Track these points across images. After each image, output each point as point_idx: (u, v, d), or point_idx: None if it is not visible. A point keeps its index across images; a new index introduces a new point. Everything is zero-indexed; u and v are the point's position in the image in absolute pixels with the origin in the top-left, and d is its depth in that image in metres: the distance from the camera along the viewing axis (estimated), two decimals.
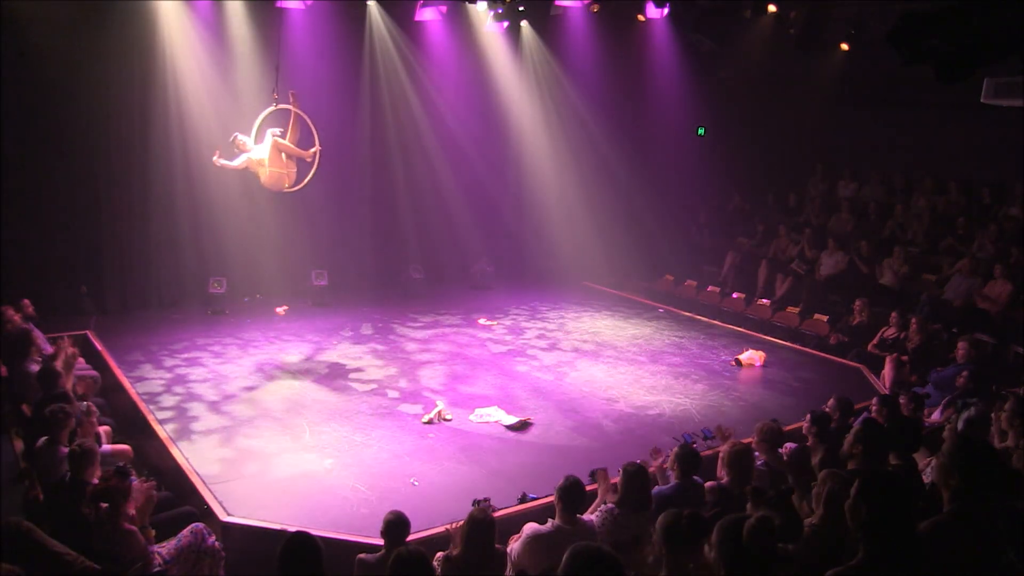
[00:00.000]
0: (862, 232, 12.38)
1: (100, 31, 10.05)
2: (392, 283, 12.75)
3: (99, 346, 9.11)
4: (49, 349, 7.48)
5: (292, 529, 3.99)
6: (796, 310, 11.59)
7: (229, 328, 10.40)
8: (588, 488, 5.08)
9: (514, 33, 12.92)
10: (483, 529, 4.24)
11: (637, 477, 4.72)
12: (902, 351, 9.35)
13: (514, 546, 4.51)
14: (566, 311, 12.00)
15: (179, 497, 6.00)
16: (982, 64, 4.57)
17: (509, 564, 4.47)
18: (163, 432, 7.09)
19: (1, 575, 3.69)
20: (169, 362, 9.03)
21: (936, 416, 7.68)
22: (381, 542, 4.57)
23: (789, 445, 5.72)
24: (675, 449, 5.31)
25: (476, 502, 4.84)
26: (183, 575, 4.78)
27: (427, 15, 12.08)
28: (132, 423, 7.39)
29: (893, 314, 9.97)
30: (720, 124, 14.29)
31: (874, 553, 2.85)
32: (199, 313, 10.94)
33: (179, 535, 4.95)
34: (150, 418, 7.36)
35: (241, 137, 8.62)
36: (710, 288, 12.83)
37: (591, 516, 4.75)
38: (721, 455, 5.28)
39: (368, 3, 11.93)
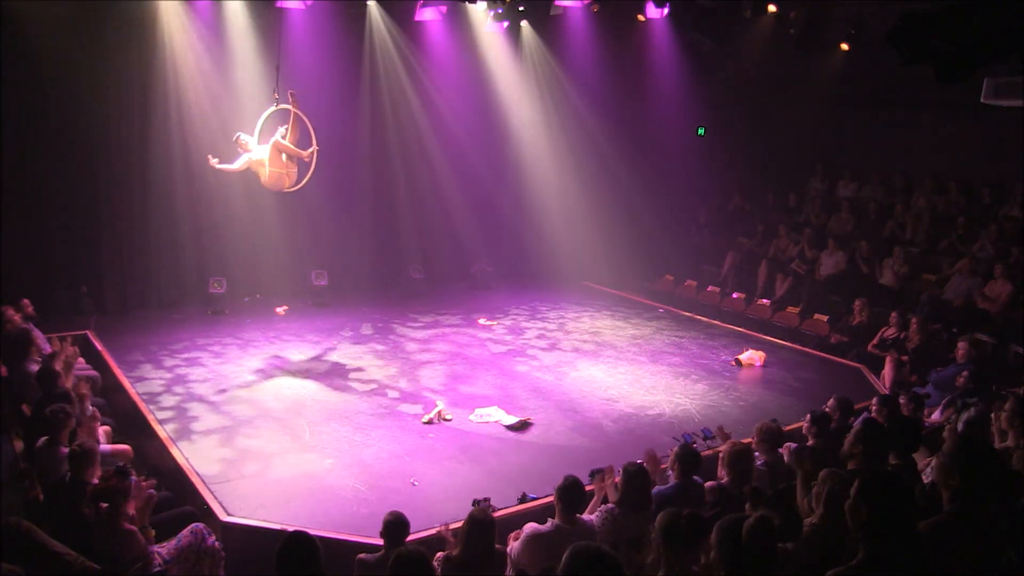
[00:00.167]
0: (862, 232, 12.37)
1: (100, 31, 10.06)
2: (392, 283, 12.76)
3: (99, 346, 9.11)
4: (49, 349, 7.48)
5: (292, 529, 3.99)
6: (796, 310, 11.58)
7: (229, 328, 10.40)
8: (588, 488, 5.09)
9: (514, 33, 12.92)
10: (483, 529, 4.24)
11: (637, 477, 4.72)
12: (902, 351, 9.35)
13: (514, 546, 4.51)
14: (566, 311, 11.99)
15: (179, 497, 6.00)
16: (982, 64, 4.58)
17: (509, 564, 4.47)
18: (163, 432, 7.10)
19: (1, 575, 3.69)
20: (169, 362, 9.03)
21: (936, 416, 7.67)
22: (381, 542, 4.58)
23: (789, 445, 5.72)
24: (675, 449, 5.32)
25: (476, 502, 4.84)
26: (183, 575, 4.78)
27: (427, 15, 12.06)
28: (132, 423, 7.40)
29: (893, 314, 9.96)
30: (720, 124, 14.29)
31: (874, 553, 2.84)
32: (199, 313, 10.94)
33: (179, 535, 4.94)
34: (150, 418, 7.36)
35: (244, 137, 8.64)
36: (710, 288, 12.81)
37: (591, 516, 4.75)
38: (721, 455, 5.28)
39: (368, 3, 11.92)
